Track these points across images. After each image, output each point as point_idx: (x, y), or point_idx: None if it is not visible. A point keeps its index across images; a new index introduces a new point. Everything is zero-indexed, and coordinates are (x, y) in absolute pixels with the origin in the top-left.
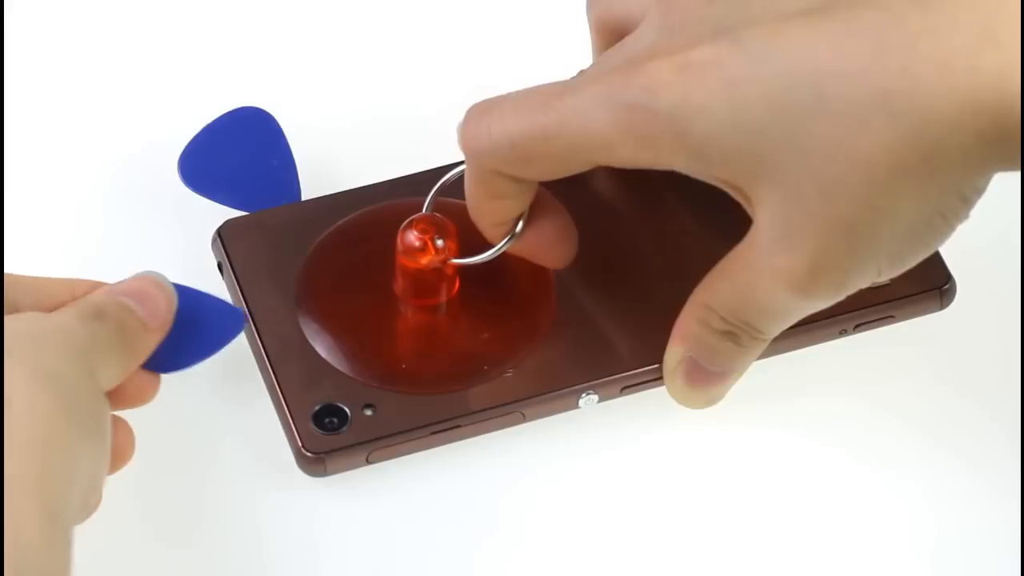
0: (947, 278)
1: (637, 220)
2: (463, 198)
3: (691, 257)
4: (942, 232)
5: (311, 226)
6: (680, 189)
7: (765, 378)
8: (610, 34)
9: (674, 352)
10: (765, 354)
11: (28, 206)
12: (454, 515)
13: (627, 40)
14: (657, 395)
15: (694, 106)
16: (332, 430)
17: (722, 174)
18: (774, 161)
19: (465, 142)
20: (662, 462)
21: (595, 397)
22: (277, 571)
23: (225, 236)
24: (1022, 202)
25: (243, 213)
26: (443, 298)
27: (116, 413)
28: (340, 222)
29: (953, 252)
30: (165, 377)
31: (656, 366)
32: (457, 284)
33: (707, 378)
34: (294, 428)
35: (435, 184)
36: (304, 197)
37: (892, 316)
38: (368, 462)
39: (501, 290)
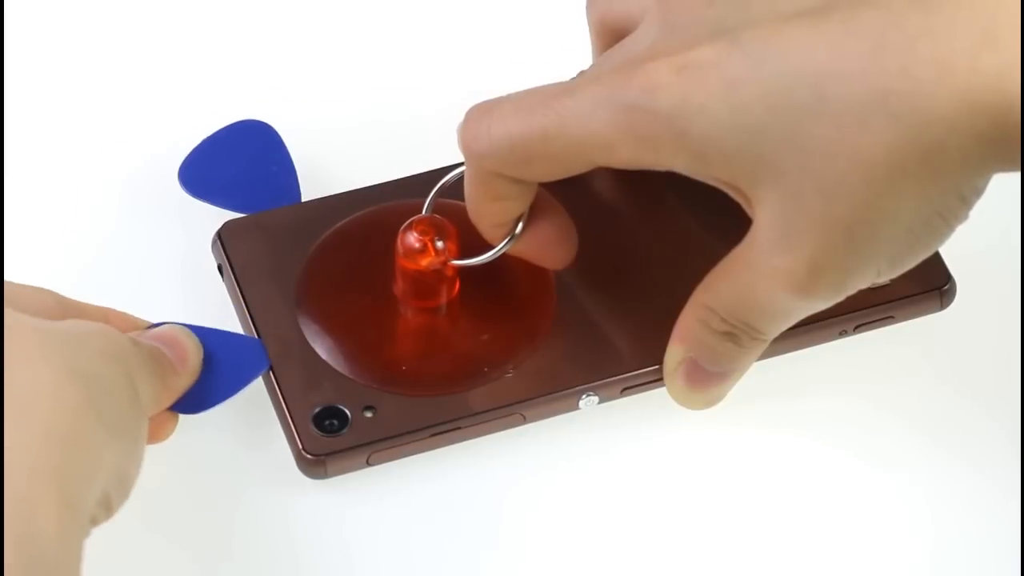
0: (947, 278)
1: (637, 221)
2: (463, 199)
3: (691, 258)
4: (941, 233)
5: (311, 227)
6: (680, 190)
7: (765, 379)
8: (610, 35)
9: (674, 353)
10: (765, 354)
11: (30, 210)
12: (455, 517)
13: (627, 41)
14: (657, 396)
15: (694, 107)
16: (332, 432)
17: (722, 175)
18: (773, 162)
19: (465, 143)
20: (662, 463)
21: (595, 398)
22: (277, 573)
23: (225, 238)
24: (1022, 202)
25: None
26: (443, 299)
27: None
28: (340, 223)
29: (953, 252)
30: None
31: (657, 367)
32: (457, 285)
33: (707, 379)
34: (294, 430)
35: (435, 185)
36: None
37: (892, 316)
38: (368, 464)
39: (501, 291)
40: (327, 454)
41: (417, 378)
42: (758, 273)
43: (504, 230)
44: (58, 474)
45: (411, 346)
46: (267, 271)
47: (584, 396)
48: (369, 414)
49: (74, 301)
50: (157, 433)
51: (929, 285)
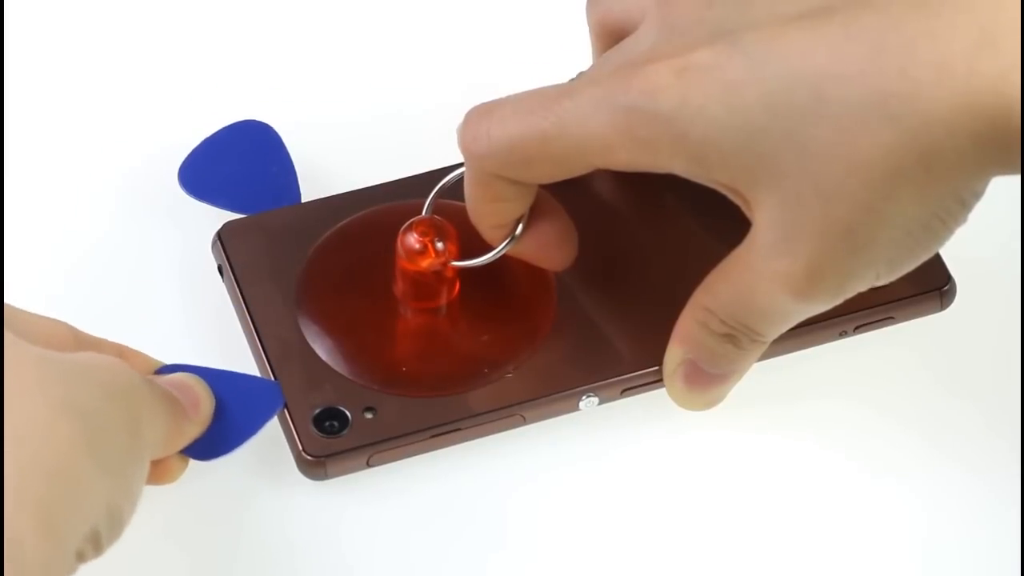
0: (947, 279)
1: (638, 222)
2: (463, 200)
3: (691, 259)
4: (940, 236)
5: (311, 228)
6: (680, 191)
7: (765, 380)
8: (609, 36)
9: (674, 354)
10: (765, 355)
11: (28, 211)
12: (455, 518)
13: (626, 42)
14: (658, 397)
15: (693, 109)
16: (333, 433)
17: (721, 177)
18: (772, 164)
19: (464, 145)
20: (662, 464)
21: (596, 399)
22: (277, 574)
23: (225, 238)
24: (1022, 203)
25: (243, 216)
26: (443, 300)
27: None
28: (340, 224)
29: (953, 253)
30: None
31: (657, 368)
32: (457, 286)
33: (707, 380)
34: (294, 431)
35: (435, 186)
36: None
37: (892, 317)
38: (369, 465)
39: (501, 292)
40: (327, 455)
41: (417, 379)
42: (757, 275)
43: (504, 231)
44: (42, 505)
45: (411, 347)
46: (267, 272)
47: (584, 397)
48: (369, 415)
49: (89, 336)
50: (164, 474)
51: (929, 286)
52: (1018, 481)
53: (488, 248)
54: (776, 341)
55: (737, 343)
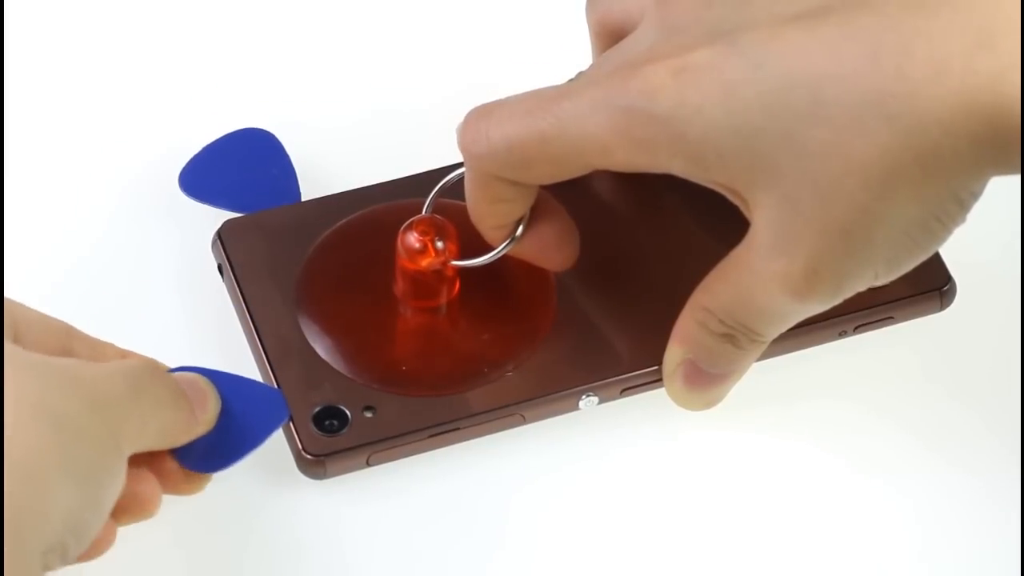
0: (947, 279)
1: (638, 222)
2: (464, 199)
3: (691, 259)
4: (938, 236)
5: (311, 227)
6: (681, 191)
7: (765, 380)
8: (609, 36)
9: (673, 354)
10: (765, 355)
11: (30, 214)
12: (454, 517)
13: (625, 42)
14: (657, 397)
15: (690, 110)
16: (332, 432)
17: (719, 177)
18: (770, 164)
19: (464, 146)
20: (662, 464)
21: (595, 399)
22: (276, 573)
23: (225, 237)
24: (1022, 203)
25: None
26: (443, 300)
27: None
28: (340, 223)
29: (953, 253)
30: None
31: (656, 368)
32: (457, 286)
33: (706, 380)
34: (294, 430)
35: (435, 185)
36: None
37: (892, 317)
38: (368, 464)
39: (501, 292)
40: (327, 454)
41: (417, 378)
42: (755, 276)
43: (505, 232)
44: (8, 508)
45: (411, 346)
46: (267, 271)
47: (584, 397)
48: (369, 414)
49: (89, 337)
50: (187, 487)
51: (929, 286)
52: (1018, 483)
53: (488, 248)
54: (776, 341)
55: (736, 343)
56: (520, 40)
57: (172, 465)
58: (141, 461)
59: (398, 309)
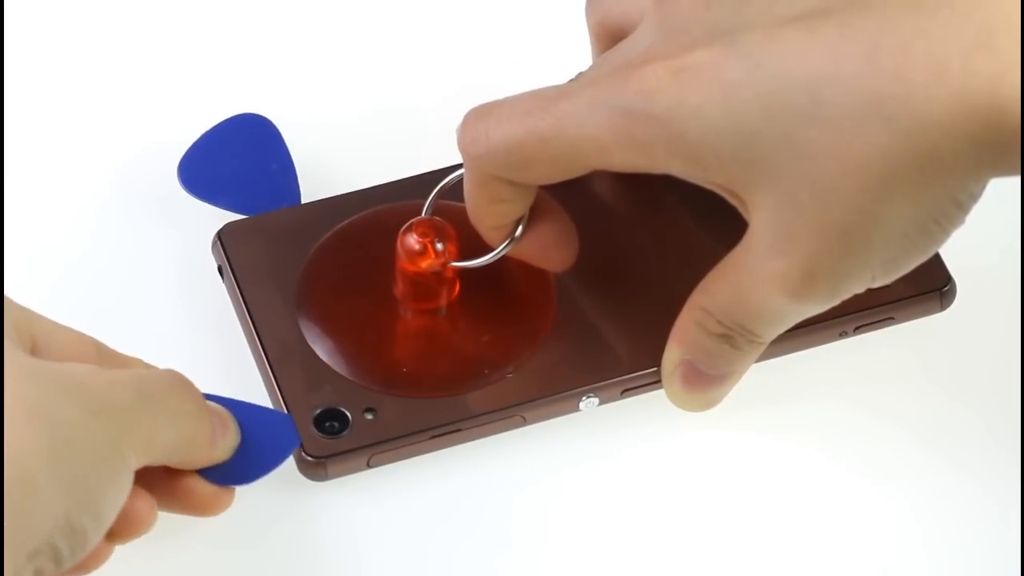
0: (947, 280)
1: (638, 223)
2: (464, 200)
3: (691, 260)
4: (937, 238)
5: (311, 229)
6: (681, 192)
7: (765, 381)
8: (609, 36)
9: (672, 355)
10: (766, 355)
11: (28, 209)
12: (455, 519)
13: (624, 43)
14: (658, 398)
15: (689, 110)
16: (333, 434)
17: (717, 178)
18: (769, 165)
19: (463, 146)
20: (663, 465)
21: (596, 400)
22: (276, 574)
23: (225, 239)
24: (1022, 204)
25: (243, 217)
26: (443, 301)
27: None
28: (340, 225)
29: (953, 254)
30: None
31: (657, 368)
32: (457, 287)
33: (705, 381)
34: (295, 432)
35: (435, 187)
36: (304, 200)
37: (892, 318)
38: (369, 466)
39: (501, 293)
40: (328, 456)
41: (418, 380)
42: (753, 277)
43: (504, 232)
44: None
45: (411, 348)
46: (267, 272)
47: (584, 398)
48: (370, 416)
49: (118, 353)
50: (210, 507)
51: (929, 286)
52: (1018, 483)
53: (488, 249)
54: (776, 341)
55: (734, 344)
56: (521, 40)
57: (193, 483)
58: (158, 478)
59: (398, 311)
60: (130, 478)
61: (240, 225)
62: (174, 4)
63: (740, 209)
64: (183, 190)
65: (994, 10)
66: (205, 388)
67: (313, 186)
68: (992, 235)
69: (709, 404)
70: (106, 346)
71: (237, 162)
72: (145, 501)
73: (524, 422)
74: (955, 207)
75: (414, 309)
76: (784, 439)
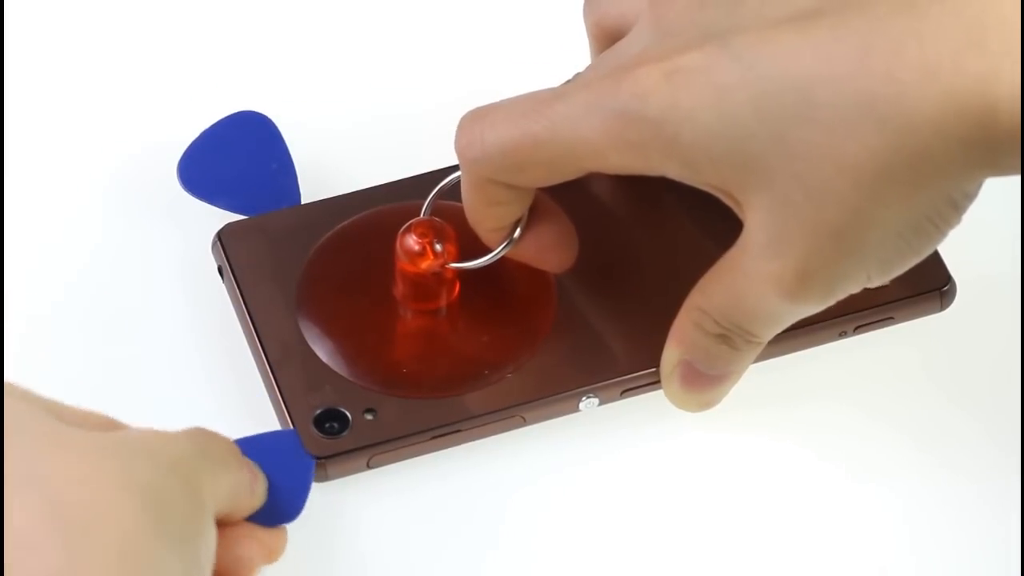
0: (947, 279)
1: (637, 224)
2: (462, 201)
3: (691, 260)
4: (932, 237)
5: (311, 230)
6: (680, 192)
7: (764, 381)
8: (606, 37)
9: (670, 355)
10: (765, 355)
11: (28, 208)
12: (455, 519)
13: (620, 44)
14: (658, 398)
15: (682, 112)
16: (333, 434)
17: (711, 180)
18: (762, 167)
19: (459, 150)
20: (663, 465)
21: (596, 400)
22: (276, 574)
23: (225, 239)
24: (1022, 204)
25: (243, 217)
26: (443, 302)
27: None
28: (340, 226)
29: (953, 253)
30: (162, 373)
31: (656, 369)
32: (457, 288)
33: (704, 381)
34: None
35: (435, 187)
36: (304, 200)
37: (892, 317)
38: (369, 466)
39: (501, 294)
40: (328, 456)
41: (418, 380)
42: (749, 277)
43: (503, 234)
44: None
45: (411, 348)
46: (267, 273)
47: (584, 398)
48: (370, 416)
49: (125, 425)
50: (271, 554)
51: (929, 286)
52: (1018, 484)
53: (487, 250)
54: (776, 341)
55: (732, 344)
56: (520, 42)
57: (251, 530)
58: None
59: (398, 311)
60: (214, 526)
61: (240, 225)
62: (173, 2)
63: (735, 210)
64: (182, 189)
65: (985, 10)
66: (206, 388)
67: (313, 186)
68: (992, 235)
69: (708, 404)
70: (121, 422)
71: (237, 161)
72: (253, 542)
73: (524, 422)
74: (950, 206)
75: (414, 309)
76: (783, 439)
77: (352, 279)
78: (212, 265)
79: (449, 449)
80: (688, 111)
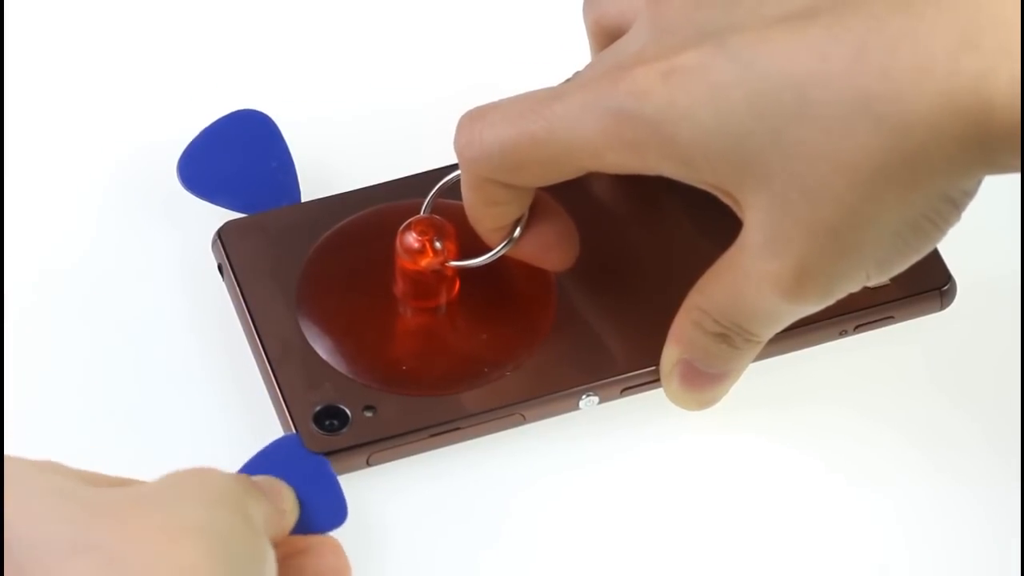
0: (947, 278)
1: (638, 222)
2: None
3: (691, 259)
4: (931, 236)
5: (311, 228)
6: (680, 191)
7: (764, 381)
8: (606, 36)
9: (670, 354)
10: (764, 355)
11: (27, 207)
12: (455, 516)
13: (618, 44)
14: (658, 397)
15: (679, 112)
16: (333, 431)
17: (709, 179)
18: (759, 166)
19: (458, 149)
20: (663, 464)
21: (595, 398)
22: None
23: (225, 237)
24: (1022, 203)
25: (243, 215)
26: (443, 300)
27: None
28: (340, 224)
29: (953, 252)
30: (162, 371)
31: (656, 367)
32: (457, 286)
33: (703, 380)
34: (295, 430)
35: (435, 185)
36: (304, 198)
37: (892, 316)
38: (368, 464)
39: (501, 292)
40: (327, 453)
41: (417, 378)
42: (747, 276)
43: (502, 233)
44: None
45: (411, 346)
46: (267, 271)
47: (584, 396)
48: (369, 414)
49: (135, 480)
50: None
51: (929, 285)
52: (1019, 485)
53: (487, 248)
54: (776, 340)
55: (731, 343)
56: (520, 40)
57: (301, 540)
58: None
59: (398, 309)
60: (272, 550)
61: (240, 223)
62: (172, 1)
63: (734, 209)
64: (182, 188)
65: (979, 9)
66: (206, 386)
67: (313, 185)
68: (992, 234)
69: (708, 403)
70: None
71: (237, 160)
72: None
73: (524, 420)
74: (948, 204)
75: (414, 307)
76: (783, 438)
77: (352, 277)
78: (212, 263)
79: (449, 447)
80: (685, 110)
